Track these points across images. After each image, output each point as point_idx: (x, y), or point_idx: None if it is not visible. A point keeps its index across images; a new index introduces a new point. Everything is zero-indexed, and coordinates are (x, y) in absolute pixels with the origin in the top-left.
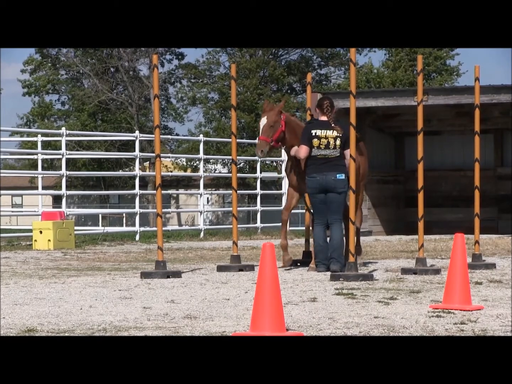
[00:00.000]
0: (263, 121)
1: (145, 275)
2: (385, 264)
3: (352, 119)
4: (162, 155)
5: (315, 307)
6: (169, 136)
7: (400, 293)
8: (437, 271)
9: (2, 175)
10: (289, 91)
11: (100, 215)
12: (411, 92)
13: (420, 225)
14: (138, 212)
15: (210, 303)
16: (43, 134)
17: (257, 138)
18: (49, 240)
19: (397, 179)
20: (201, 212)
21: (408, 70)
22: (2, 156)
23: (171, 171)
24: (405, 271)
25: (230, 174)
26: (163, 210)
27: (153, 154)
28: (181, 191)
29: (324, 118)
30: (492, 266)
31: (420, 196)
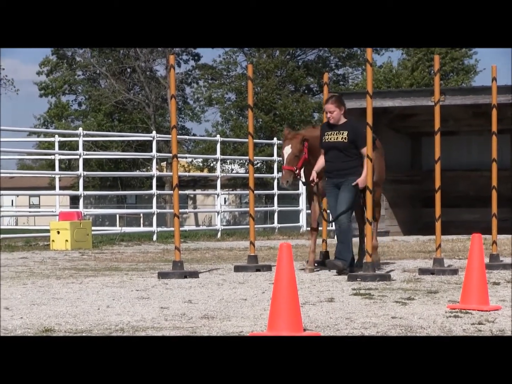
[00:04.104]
0: (287, 150)
1: (162, 275)
2: (403, 264)
3: (369, 119)
4: (179, 155)
5: (333, 307)
6: (186, 137)
7: (417, 294)
8: (454, 272)
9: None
10: (306, 92)
11: (117, 215)
12: (428, 92)
13: (438, 225)
14: (156, 212)
15: (227, 303)
16: (60, 135)
17: (282, 168)
18: (66, 240)
19: (414, 179)
20: (218, 212)
21: (425, 72)
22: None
23: (188, 171)
24: (422, 271)
25: (247, 174)
26: (180, 210)
27: (170, 155)
28: (198, 191)
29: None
30: (509, 266)
31: (437, 196)
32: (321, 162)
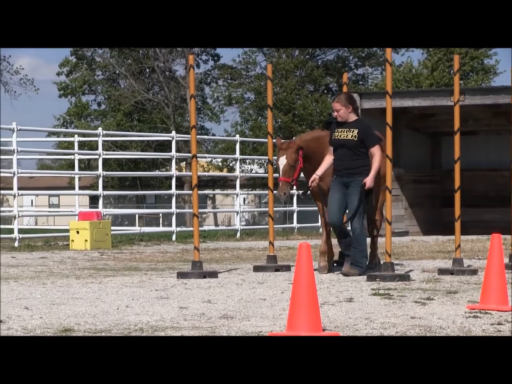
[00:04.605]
0: (282, 161)
1: (181, 275)
2: (422, 264)
3: (388, 119)
4: (198, 155)
5: (352, 308)
6: (205, 136)
7: (437, 294)
8: (474, 272)
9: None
10: (325, 91)
11: (136, 215)
12: (448, 92)
13: (457, 225)
14: (175, 212)
15: (247, 303)
16: (80, 135)
17: (278, 180)
18: (86, 240)
19: (433, 179)
20: (237, 212)
21: (445, 71)
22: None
23: (208, 171)
24: (442, 271)
25: (267, 174)
26: (200, 210)
27: (190, 154)
28: (217, 191)
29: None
30: None
31: (457, 196)
32: (326, 162)
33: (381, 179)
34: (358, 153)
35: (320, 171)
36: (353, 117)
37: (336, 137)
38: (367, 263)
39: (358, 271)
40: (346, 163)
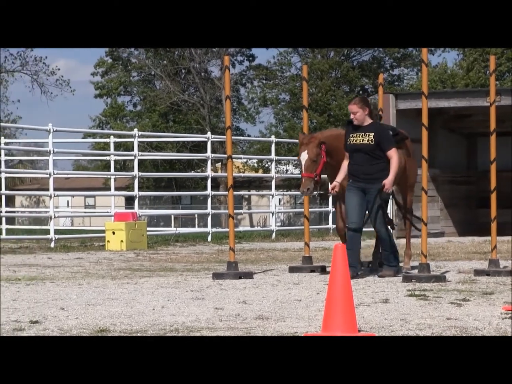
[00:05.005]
0: (304, 156)
1: (217, 276)
2: (458, 265)
3: (424, 119)
4: (233, 156)
5: (387, 308)
6: (241, 137)
7: (472, 295)
8: (510, 273)
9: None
10: (361, 92)
11: (172, 216)
12: (484, 92)
13: (493, 226)
14: (210, 213)
15: (282, 304)
16: (116, 135)
17: (300, 175)
18: (121, 241)
19: (469, 179)
20: (272, 213)
21: (481, 72)
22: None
23: (243, 172)
24: (477, 272)
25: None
26: (235, 211)
27: (225, 155)
28: (252, 192)
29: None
30: None
31: (493, 197)
32: (344, 169)
33: (409, 180)
34: (376, 157)
35: (340, 177)
36: (368, 120)
37: (351, 142)
38: (375, 260)
39: (394, 272)
40: (364, 168)
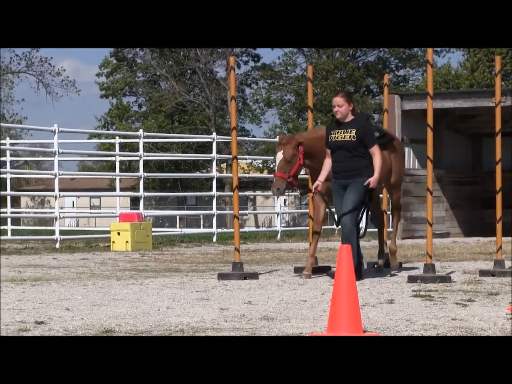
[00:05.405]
0: (279, 155)
1: (222, 276)
2: (463, 266)
3: (429, 120)
4: (239, 156)
5: (393, 309)
6: (246, 138)
7: (478, 295)
8: None
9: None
10: (366, 93)
11: (177, 217)
12: (489, 93)
13: (498, 226)
14: (215, 214)
15: (287, 305)
16: (121, 136)
17: (273, 175)
18: (127, 242)
19: (474, 180)
20: (278, 214)
21: (486, 72)
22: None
23: (248, 173)
24: (483, 273)
25: (307, 176)
26: (240, 211)
27: (230, 156)
28: (258, 192)
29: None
30: None
31: (498, 197)
32: (327, 168)
33: (398, 179)
34: (358, 154)
35: (322, 177)
36: (350, 117)
37: (333, 139)
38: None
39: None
40: (344, 164)
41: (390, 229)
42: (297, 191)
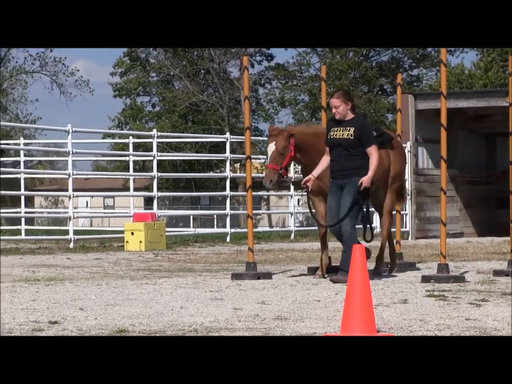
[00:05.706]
0: (271, 147)
1: (235, 276)
2: (477, 266)
3: (443, 120)
4: (252, 156)
5: (406, 309)
6: (260, 138)
7: (492, 295)
8: None
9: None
10: (379, 92)
11: (191, 217)
12: (503, 93)
13: None
14: (229, 214)
15: (301, 305)
16: (135, 136)
17: (265, 167)
18: (140, 241)
19: (488, 180)
20: (291, 214)
21: (500, 71)
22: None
23: (262, 173)
24: (497, 273)
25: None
26: (254, 211)
27: (244, 156)
28: (271, 192)
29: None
30: None
31: None
32: (323, 163)
33: (393, 180)
34: (355, 153)
35: (316, 172)
36: (350, 115)
37: (332, 137)
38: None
39: (345, 279)
40: (341, 163)
41: (404, 229)
42: (290, 181)
